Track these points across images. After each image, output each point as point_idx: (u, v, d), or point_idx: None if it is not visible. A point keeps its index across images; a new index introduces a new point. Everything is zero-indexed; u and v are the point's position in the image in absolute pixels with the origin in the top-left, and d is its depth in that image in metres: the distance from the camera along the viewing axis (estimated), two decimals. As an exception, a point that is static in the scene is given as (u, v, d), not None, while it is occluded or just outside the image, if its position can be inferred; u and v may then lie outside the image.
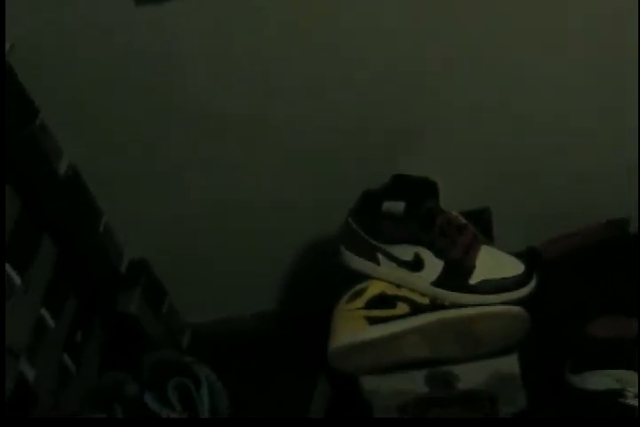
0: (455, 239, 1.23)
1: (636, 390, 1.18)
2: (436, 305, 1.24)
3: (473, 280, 1.23)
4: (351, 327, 1.24)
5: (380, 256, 1.25)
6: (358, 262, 1.27)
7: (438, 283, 1.24)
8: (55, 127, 1.37)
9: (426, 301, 1.24)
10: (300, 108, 1.38)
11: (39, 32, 1.27)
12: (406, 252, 1.23)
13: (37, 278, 1.32)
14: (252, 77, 1.34)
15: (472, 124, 1.40)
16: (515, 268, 1.24)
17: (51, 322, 1.35)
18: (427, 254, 1.23)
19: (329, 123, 1.40)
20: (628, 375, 1.19)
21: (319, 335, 1.27)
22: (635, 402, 1.17)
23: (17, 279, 1.26)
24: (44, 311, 1.32)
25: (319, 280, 1.43)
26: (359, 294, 1.27)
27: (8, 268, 1.24)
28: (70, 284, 1.43)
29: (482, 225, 1.33)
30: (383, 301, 1.25)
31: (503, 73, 1.34)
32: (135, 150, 1.44)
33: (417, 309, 1.23)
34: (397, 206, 1.22)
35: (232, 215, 1.53)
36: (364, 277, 1.28)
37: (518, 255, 1.27)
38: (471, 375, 1.26)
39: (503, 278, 1.22)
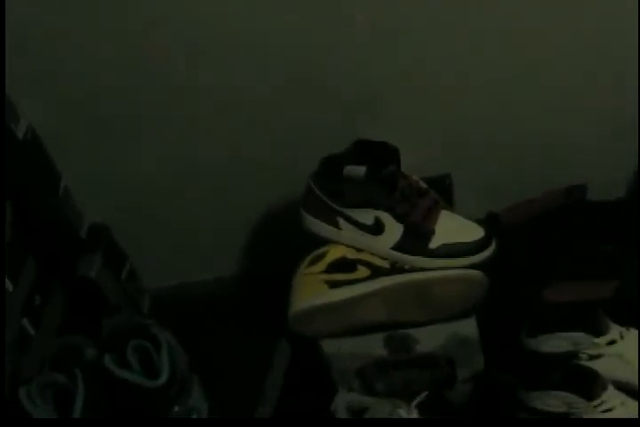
0: (415, 204, 1.24)
1: (591, 352, 1.21)
2: (395, 269, 1.25)
3: (432, 244, 1.24)
4: (311, 291, 1.25)
5: (340, 220, 1.26)
6: (319, 226, 1.28)
7: (398, 247, 1.25)
8: (11, 89, 1.36)
9: (386, 264, 1.25)
10: (261, 75, 1.37)
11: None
12: (367, 216, 1.24)
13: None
14: (214, 41, 1.33)
15: (433, 91, 1.40)
16: (474, 233, 1.25)
17: (9, 285, 1.33)
18: (387, 218, 1.24)
19: (292, 89, 1.39)
20: (583, 338, 1.20)
21: (280, 299, 1.28)
22: (589, 364, 1.20)
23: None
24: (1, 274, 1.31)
25: (280, 244, 1.43)
26: (320, 257, 1.27)
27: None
28: (29, 248, 1.42)
29: (443, 191, 1.34)
30: (344, 264, 1.26)
31: (461, 42, 1.34)
32: (93, 111, 1.42)
33: (377, 272, 1.24)
34: (358, 170, 1.23)
35: (193, 179, 1.52)
36: (324, 240, 1.29)
37: (478, 221, 1.28)
38: (430, 338, 1.27)
39: (463, 243, 1.24)
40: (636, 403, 1.17)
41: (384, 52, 1.35)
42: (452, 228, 1.25)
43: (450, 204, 1.33)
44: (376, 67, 1.37)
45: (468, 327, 1.26)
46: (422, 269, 1.24)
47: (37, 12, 1.29)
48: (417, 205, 1.24)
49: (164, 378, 1.19)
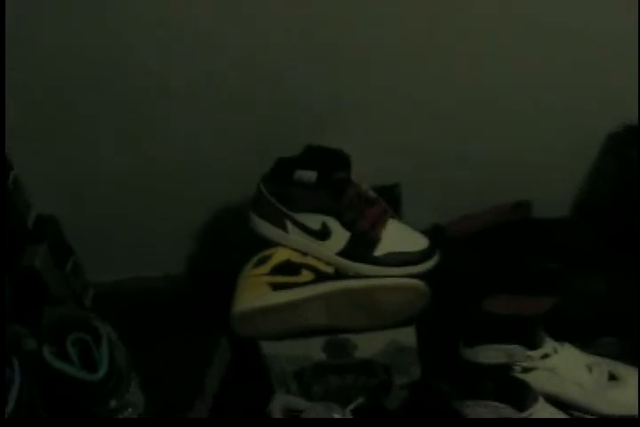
0: (363, 211, 1.25)
1: (525, 364, 1.23)
2: (339, 275, 1.26)
3: (377, 252, 1.25)
4: (254, 292, 1.25)
5: (288, 224, 1.27)
6: (267, 229, 1.29)
7: (344, 253, 1.26)
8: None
9: (330, 270, 1.27)
10: (220, 76, 1.38)
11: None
12: (314, 221, 1.25)
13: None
14: (180, 39, 1.34)
15: (388, 101, 1.42)
16: (419, 243, 1.27)
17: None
18: (334, 224, 1.25)
19: (248, 91, 1.41)
20: (518, 350, 1.23)
21: (224, 298, 1.28)
22: (522, 376, 1.22)
23: None
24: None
25: (228, 243, 1.44)
26: (265, 260, 1.28)
27: None
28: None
29: (391, 200, 1.36)
30: (288, 268, 1.27)
31: (419, 51, 1.36)
32: (49, 103, 1.42)
33: (320, 277, 1.25)
34: (309, 175, 1.24)
35: (145, 174, 1.53)
36: (271, 243, 1.30)
37: (424, 232, 1.30)
38: (368, 345, 1.29)
39: (407, 252, 1.25)
40: (564, 415, 1.20)
41: (341, 62, 1.37)
42: (397, 237, 1.27)
43: (397, 213, 1.35)
44: (332, 76, 1.39)
45: (408, 336, 1.28)
46: (366, 277, 1.25)
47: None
48: (365, 213, 1.25)
49: (102, 372, 1.19)
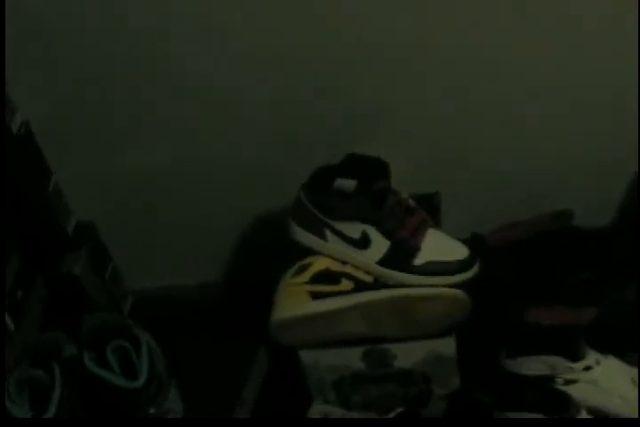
0: (403, 220, 1.25)
1: (567, 376, 1.22)
2: (379, 284, 1.26)
3: (417, 261, 1.25)
4: (294, 301, 1.25)
5: (328, 232, 1.27)
6: (306, 237, 1.29)
7: (383, 262, 1.26)
8: (10, 84, 1.36)
9: (370, 279, 1.26)
10: (262, 84, 1.38)
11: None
12: (354, 229, 1.25)
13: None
14: (220, 44, 1.33)
15: (429, 111, 1.41)
16: (459, 252, 1.26)
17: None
18: (374, 233, 1.25)
19: (290, 98, 1.40)
20: (560, 362, 1.22)
21: (262, 307, 1.28)
22: (564, 388, 1.21)
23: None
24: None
25: (266, 252, 1.44)
26: (304, 268, 1.28)
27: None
28: (15, 242, 1.42)
29: (430, 209, 1.35)
30: (328, 276, 1.26)
31: (461, 60, 1.35)
32: (90, 110, 1.42)
33: (360, 286, 1.25)
34: (349, 184, 1.24)
35: (182, 183, 1.52)
36: (310, 251, 1.30)
37: (464, 241, 1.29)
38: (408, 355, 1.28)
39: (447, 262, 1.25)
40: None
41: (380, 69, 1.36)
42: (437, 246, 1.26)
43: (437, 222, 1.34)
44: (375, 84, 1.38)
45: (447, 346, 1.27)
46: (405, 286, 1.25)
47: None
48: (405, 222, 1.25)
49: (142, 379, 1.19)
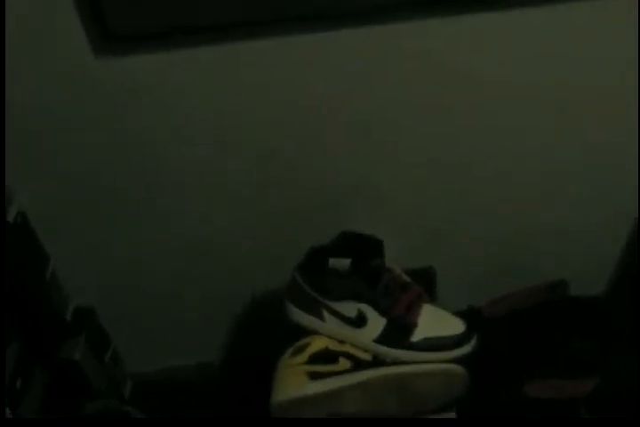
0: (399, 297, 1.26)
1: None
2: (377, 362, 1.26)
3: (414, 338, 1.25)
4: (293, 382, 1.25)
5: (324, 312, 1.27)
6: (303, 317, 1.29)
7: (380, 340, 1.26)
8: (6, 172, 1.37)
9: (368, 357, 1.26)
10: (249, 164, 1.40)
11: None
12: (350, 308, 1.26)
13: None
14: (206, 134, 1.35)
15: (420, 185, 1.43)
16: (455, 327, 1.26)
17: (-9, 371, 1.33)
18: (370, 311, 1.25)
19: (280, 179, 1.42)
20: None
21: (262, 386, 1.28)
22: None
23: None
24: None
25: (264, 331, 1.44)
26: (302, 348, 1.28)
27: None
28: (13, 330, 1.42)
29: (425, 284, 1.36)
30: (326, 356, 1.26)
31: (449, 141, 1.37)
32: (88, 196, 1.44)
33: (359, 365, 1.25)
34: (343, 263, 1.25)
35: (178, 264, 1.54)
36: (308, 331, 1.30)
37: (460, 314, 1.30)
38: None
39: (444, 337, 1.25)
40: None
41: (371, 146, 1.38)
42: (434, 322, 1.26)
43: (432, 296, 1.35)
44: (363, 160, 1.40)
45: (449, 421, 1.26)
46: (403, 363, 1.24)
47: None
48: (400, 299, 1.25)
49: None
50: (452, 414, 1.26)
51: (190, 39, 1.22)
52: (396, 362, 1.25)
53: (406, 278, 1.30)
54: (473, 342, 1.26)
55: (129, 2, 1.16)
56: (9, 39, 1.21)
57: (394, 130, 1.36)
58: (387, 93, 1.30)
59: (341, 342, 1.28)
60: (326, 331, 1.28)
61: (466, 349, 1.25)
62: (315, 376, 1.24)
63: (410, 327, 1.25)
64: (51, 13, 1.19)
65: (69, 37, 1.21)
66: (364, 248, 1.27)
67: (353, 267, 1.25)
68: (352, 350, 1.27)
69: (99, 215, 1.47)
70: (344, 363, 1.25)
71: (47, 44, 1.23)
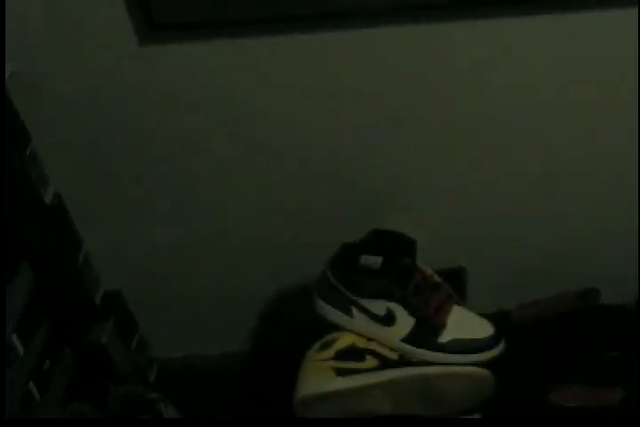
0: (428, 298, 1.25)
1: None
2: (404, 361, 1.26)
3: (442, 339, 1.25)
4: (318, 377, 1.25)
5: (353, 309, 1.27)
6: (332, 313, 1.29)
7: (408, 339, 1.26)
8: (44, 155, 1.38)
9: (395, 356, 1.26)
10: (287, 160, 1.40)
11: (41, 64, 1.28)
12: (380, 306, 1.25)
13: (12, 304, 1.33)
14: (245, 128, 1.35)
15: (449, 185, 1.42)
16: (484, 330, 1.26)
17: (20, 349, 1.34)
18: (399, 310, 1.25)
19: (309, 179, 1.42)
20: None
21: (286, 380, 1.28)
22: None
23: (-8, 304, 1.26)
24: (15, 338, 1.32)
25: (290, 324, 1.45)
26: (329, 344, 1.28)
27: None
28: (44, 311, 1.43)
29: (456, 285, 1.36)
30: (353, 353, 1.27)
31: (480, 145, 1.37)
32: (120, 181, 1.45)
33: (385, 363, 1.25)
34: (375, 261, 1.25)
35: (209, 253, 1.54)
36: (335, 326, 1.30)
37: (489, 317, 1.29)
38: (433, 433, 1.27)
39: (472, 339, 1.25)
40: None
41: (404, 148, 1.38)
42: (462, 323, 1.26)
43: (462, 298, 1.35)
44: (397, 160, 1.39)
45: (472, 424, 1.26)
46: (430, 363, 1.24)
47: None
48: (430, 299, 1.25)
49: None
50: (477, 417, 1.25)
51: (234, 30, 1.22)
52: (422, 362, 1.25)
53: (437, 279, 1.30)
54: (501, 346, 1.26)
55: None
56: (52, 24, 1.22)
57: (424, 131, 1.35)
58: (418, 94, 1.30)
59: (369, 339, 1.28)
60: (354, 328, 1.28)
61: (494, 352, 1.25)
62: (341, 373, 1.25)
63: (438, 328, 1.25)
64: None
65: (114, 24, 1.22)
66: (395, 247, 1.27)
67: (384, 265, 1.24)
68: (379, 349, 1.27)
69: (129, 202, 1.48)
70: (370, 361, 1.25)
71: (91, 29, 1.23)
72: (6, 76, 1.26)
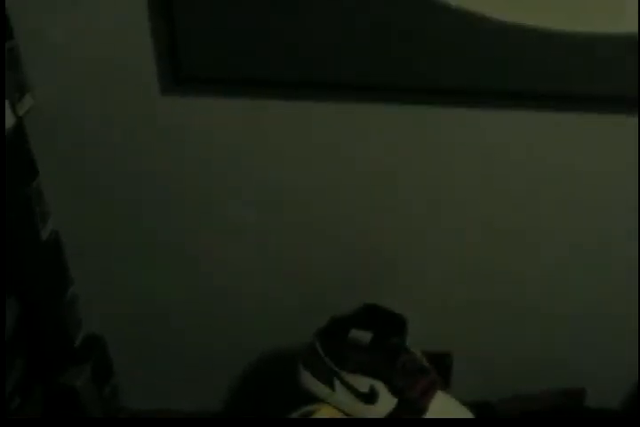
0: (414, 380, 1.24)
1: None
2: (379, 441, 1.23)
3: (422, 423, 1.23)
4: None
5: (336, 382, 1.25)
6: (314, 384, 1.27)
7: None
8: (47, 190, 1.38)
9: (371, 435, 1.24)
10: (292, 225, 1.40)
11: (62, 101, 1.28)
12: (363, 383, 1.24)
13: (-7, 339, 1.31)
14: (253, 189, 1.35)
15: (446, 265, 1.42)
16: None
17: (-7, 382, 1.32)
18: (382, 389, 1.23)
19: (312, 244, 1.42)
20: None
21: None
22: None
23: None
24: (-11, 373, 1.30)
25: (270, 391, 1.42)
26: (308, 415, 1.26)
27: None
28: (22, 347, 1.41)
29: (442, 369, 1.34)
30: (330, 427, 1.24)
31: (482, 216, 1.36)
32: (120, 224, 1.43)
33: (360, 442, 1.23)
34: (364, 336, 1.23)
35: (196, 309, 1.53)
36: (316, 398, 1.28)
37: (471, 406, 1.28)
38: None
39: (450, 428, 1.23)
40: None
41: (408, 227, 1.38)
42: (443, 410, 1.24)
43: (447, 383, 1.33)
44: (396, 240, 1.39)
45: None
46: (406, 448, 1.22)
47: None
48: (415, 382, 1.23)
49: None
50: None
51: (256, 91, 1.23)
52: (397, 445, 1.23)
53: (424, 362, 1.28)
54: (479, 437, 1.24)
55: (205, 46, 1.17)
56: (81, 65, 1.23)
57: (432, 214, 1.36)
58: (429, 177, 1.31)
59: (348, 415, 1.26)
60: (335, 402, 1.26)
61: (470, 444, 1.23)
62: (314, 447, 1.22)
63: (420, 412, 1.23)
64: (124, 47, 1.21)
65: (140, 71, 1.22)
66: (387, 324, 1.25)
67: (373, 341, 1.23)
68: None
69: (127, 246, 1.46)
70: (346, 438, 1.23)
71: (119, 79, 1.24)
72: (25, 110, 1.26)
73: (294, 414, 1.27)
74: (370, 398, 1.23)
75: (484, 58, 1.15)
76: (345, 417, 1.25)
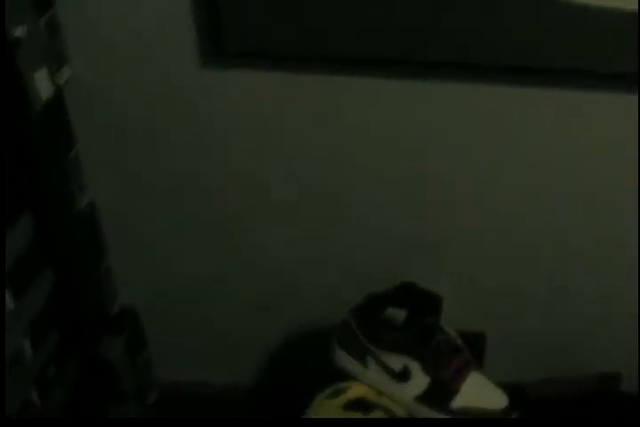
0: (448, 359, 1.23)
1: None
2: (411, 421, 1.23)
3: (454, 404, 1.23)
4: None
5: (369, 359, 1.25)
6: (348, 362, 1.27)
7: (420, 398, 1.23)
8: (86, 163, 1.38)
9: (403, 413, 1.24)
10: (328, 202, 1.39)
11: (103, 72, 1.28)
12: (397, 361, 1.23)
13: (29, 308, 1.31)
14: (289, 163, 1.34)
15: (488, 246, 1.41)
16: (498, 401, 1.24)
17: (29, 351, 1.33)
18: (416, 368, 1.23)
19: (350, 221, 1.41)
20: None
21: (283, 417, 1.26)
22: None
23: (10, 304, 1.25)
24: (25, 342, 1.30)
25: (303, 366, 1.42)
26: (340, 392, 1.26)
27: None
28: (59, 318, 1.41)
29: (475, 349, 1.33)
30: (362, 405, 1.24)
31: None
32: (160, 201, 1.43)
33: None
34: (399, 314, 1.23)
35: (231, 281, 1.52)
36: (348, 375, 1.28)
37: (505, 388, 1.27)
38: None
39: (484, 409, 1.22)
40: None
41: (435, 200, 1.37)
42: (477, 391, 1.24)
43: (480, 363, 1.32)
44: (441, 213, 1.38)
45: None
46: (438, 427, 1.22)
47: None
48: (449, 362, 1.23)
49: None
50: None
51: (297, 65, 1.22)
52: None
53: (459, 342, 1.27)
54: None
55: (249, 18, 1.15)
56: (123, 36, 1.22)
57: (468, 191, 1.34)
58: (465, 152, 1.29)
59: (379, 393, 1.25)
60: (368, 379, 1.26)
61: (504, 425, 1.22)
62: (347, 423, 1.22)
63: (452, 392, 1.23)
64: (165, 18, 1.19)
65: (181, 43, 1.21)
66: (422, 302, 1.25)
67: (408, 320, 1.22)
68: (389, 404, 1.24)
69: (165, 222, 1.47)
70: (378, 415, 1.23)
71: (159, 51, 1.23)
72: (64, 79, 1.26)
73: (327, 390, 1.27)
74: (403, 376, 1.23)
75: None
76: (377, 395, 1.25)
